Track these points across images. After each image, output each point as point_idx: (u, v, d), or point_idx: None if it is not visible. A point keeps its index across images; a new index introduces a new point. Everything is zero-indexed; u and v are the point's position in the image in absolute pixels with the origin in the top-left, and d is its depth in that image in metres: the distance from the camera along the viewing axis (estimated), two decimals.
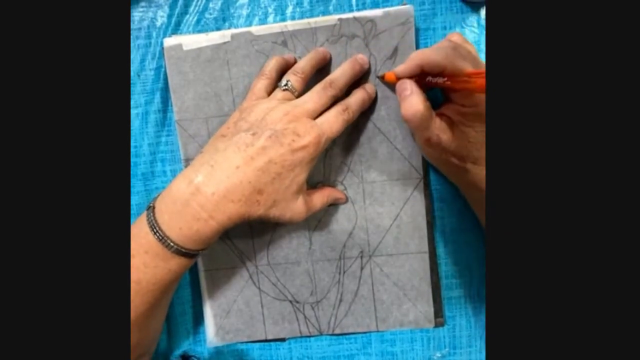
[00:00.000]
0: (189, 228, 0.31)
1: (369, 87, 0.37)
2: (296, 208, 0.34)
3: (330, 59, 0.38)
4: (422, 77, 0.32)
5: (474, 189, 0.35)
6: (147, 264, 0.31)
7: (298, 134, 0.32)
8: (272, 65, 0.36)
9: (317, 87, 0.34)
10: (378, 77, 0.37)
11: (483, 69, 0.30)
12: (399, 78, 0.33)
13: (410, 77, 0.33)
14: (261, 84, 0.36)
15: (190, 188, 0.31)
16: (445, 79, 0.31)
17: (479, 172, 0.34)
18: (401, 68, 0.33)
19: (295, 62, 0.37)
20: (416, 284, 0.39)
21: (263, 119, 0.33)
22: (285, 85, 0.35)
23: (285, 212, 0.33)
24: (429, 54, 0.31)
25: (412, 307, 0.40)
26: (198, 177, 0.31)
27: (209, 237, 0.31)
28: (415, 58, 0.32)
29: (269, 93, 0.36)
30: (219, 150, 0.32)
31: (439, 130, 0.32)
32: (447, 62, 0.30)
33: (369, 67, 0.37)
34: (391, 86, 0.37)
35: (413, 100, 0.31)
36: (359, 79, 0.37)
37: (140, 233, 0.31)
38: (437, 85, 0.32)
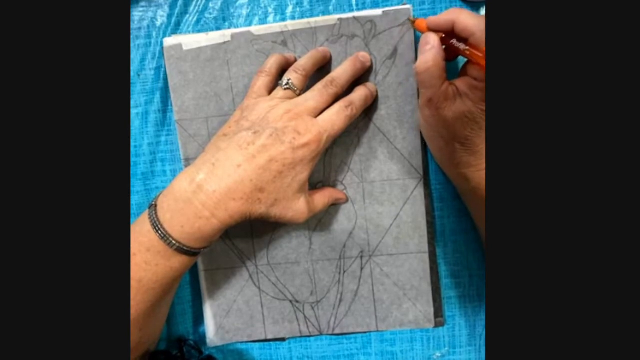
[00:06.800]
0: (190, 226, 0.31)
1: (371, 85, 0.37)
2: (298, 207, 0.34)
3: (331, 58, 0.38)
4: (449, 37, 0.32)
5: (457, 175, 0.35)
6: (149, 262, 0.31)
7: (299, 132, 0.32)
8: (272, 62, 0.36)
9: (319, 85, 0.34)
10: (409, 20, 0.36)
11: None
12: (429, 29, 0.33)
13: (439, 30, 0.33)
14: (261, 82, 0.36)
15: (192, 186, 0.31)
16: (467, 47, 0.31)
17: (464, 156, 0.34)
18: (434, 18, 0.33)
19: (295, 60, 0.37)
20: (416, 283, 0.39)
21: (264, 117, 0.33)
22: (287, 83, 0.35)
23: (286, 211, 0.33)
24: (464, 15, 0.31)
25: (412, 307, 0.40)
26: (200, 176, 0.31)
27: (210, 235, 0.31)
28: (451, 13, 0.32)
29: (269, 90, 0.36)
30: (221, 149, 0.32)
31: (443, 94, 0.32)
32: (477, 30, 0.30)
33: (370, 65, 0.37)
34: (393, 87, 0.37)
35: (430, 56, 0.32)
36: (358, 80, 0.37)
37: (142, 231, 0.31)
38: (457, 51, 0.32)
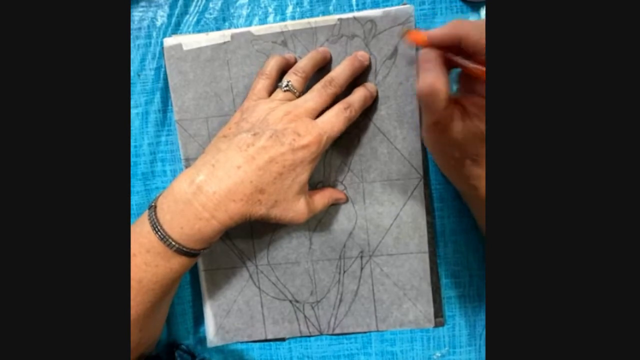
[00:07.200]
0: (190, 227, 0.31)
1: (370, 85, 0.37)
2: (298, 208, 0.34)
3: (331, 58, 0.38)
4: (453, 52, 0.29)
5: (466, 185, 0.34)
6: (149, 263, 0.31)
7: (299, 134, 0.32)
8: (272, 64, 0.36)
9: (318, 86, 0.34)
10: (403, 31, 0.32)
11: None
12: (429, 43, 0.29)
13: (442, 47, 0.29)
14: (261, 84, 0.36)
15: (192, 187, 0.31)
16: (477, 66, 0.28)
17: (475, 170, 0.32)
18: (436, 32, 0.29)
19: (295, 61, 0.37)
20: (416, 283, 0.39)
21: (264, 119, 0.33)
22: (286, 86, 0.35)
23: (286, 212, 0.33)
24: (471, 29, 0.28)
25: (412, 307, 0.40)
26: (200, 177, 0.31)
27: (210, 237, 0.31)
28: (455, 27, 0.28)
29: (270, 93, 0.36)
30: (221, 150, 0.32)
31: (450, 116, 0.30)
32: None
33: (369, 64, 0.37)
34: (393, 87, 0.37)
35: (432, 77, 0.28)
36: (359, 80, 0.37)
37: (141, 232, 0.32)
38: (465, 69, 0.29)
